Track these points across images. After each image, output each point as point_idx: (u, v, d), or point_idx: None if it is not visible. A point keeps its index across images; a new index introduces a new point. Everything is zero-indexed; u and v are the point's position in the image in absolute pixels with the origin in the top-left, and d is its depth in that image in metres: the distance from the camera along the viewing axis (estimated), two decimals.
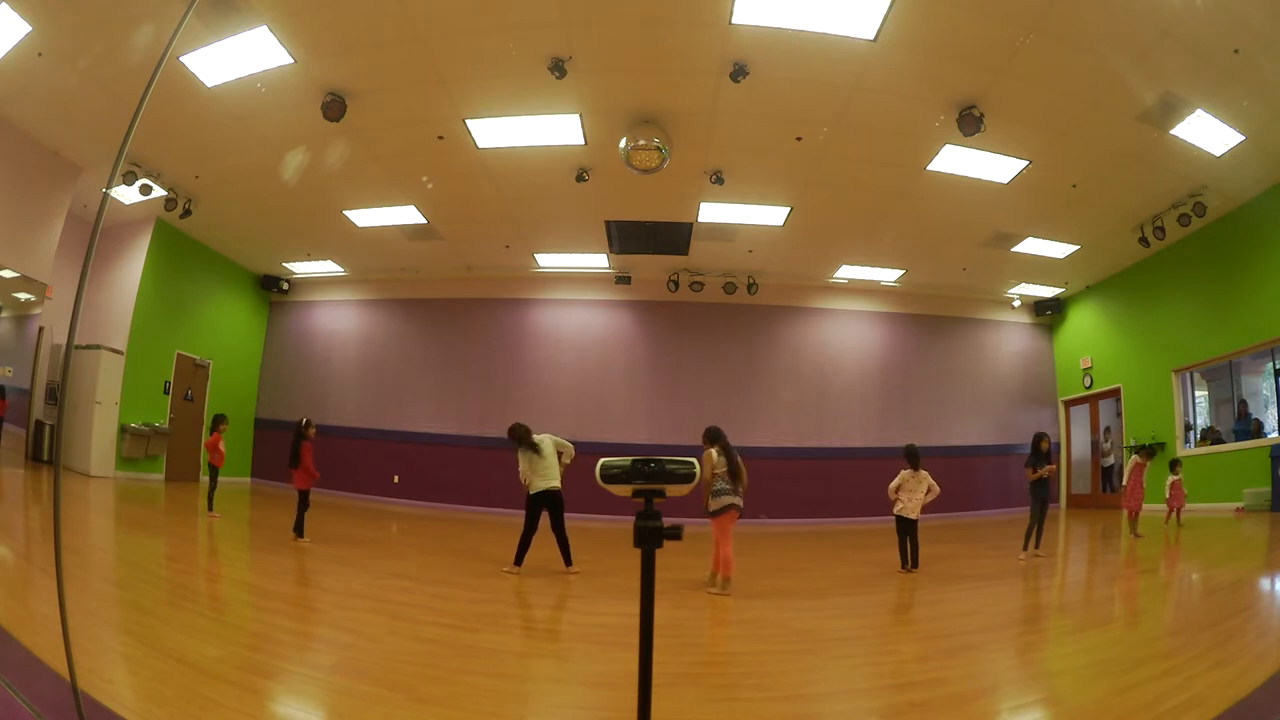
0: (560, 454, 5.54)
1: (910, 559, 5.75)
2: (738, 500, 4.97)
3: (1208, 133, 6.75)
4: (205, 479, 8.06)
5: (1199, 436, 9.65)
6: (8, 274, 8.20)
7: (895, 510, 5.90)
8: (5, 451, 9.25)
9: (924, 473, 5.95)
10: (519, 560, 5.37)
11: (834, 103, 6.61)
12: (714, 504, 4.99)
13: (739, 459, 5.10)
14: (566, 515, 5.51)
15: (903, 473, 6.02)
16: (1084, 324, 11.62)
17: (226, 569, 5.27)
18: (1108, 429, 11.23)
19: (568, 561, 5.40)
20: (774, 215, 9.05)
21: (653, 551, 1.36)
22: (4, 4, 5.62)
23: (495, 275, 11.61)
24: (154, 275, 10.10)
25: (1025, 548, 6.37)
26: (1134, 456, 7.99)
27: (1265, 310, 8.13)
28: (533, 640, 3.81)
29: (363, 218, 9.59)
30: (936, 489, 5.89)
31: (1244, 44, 5.51)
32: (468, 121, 7.09)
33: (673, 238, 9.90)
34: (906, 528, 5.82)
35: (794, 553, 6.20)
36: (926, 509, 5.92)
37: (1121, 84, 6.07)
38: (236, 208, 9.61)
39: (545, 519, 5.48)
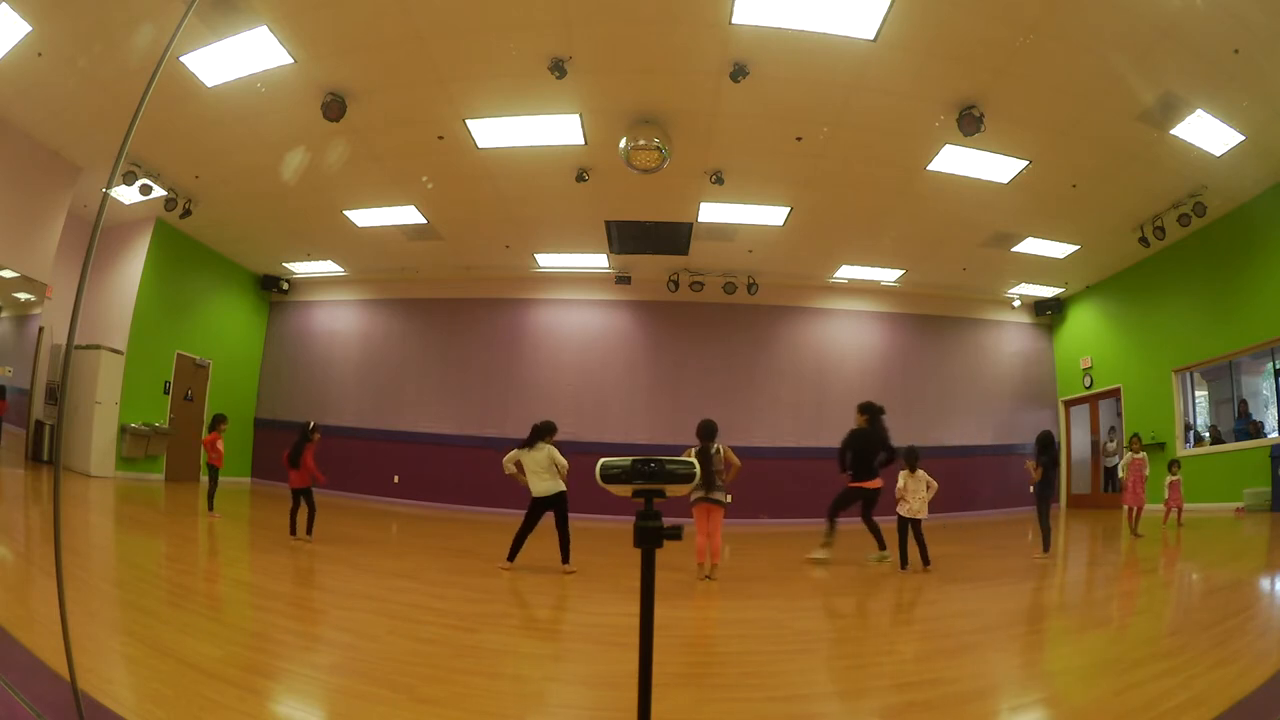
0: (556, 466, 5.52)
1: (921, 559, 5.74)
2: (702, 494, 5.28)
3: (1208, 133, 6.75)
4: (205, 479, 8.06)
5: (1199, 436, 9.64)
6: (8, 274, 8.20)
7: (901, 511, 5.90)
8: (5, 451, 9.25)
9: (921, 472, 5.97)
10: (512, 556, 5.41)
11: (834, 103, 6.61)
12: (692, 497, 5.35)
13: (715, 464, 5.34)
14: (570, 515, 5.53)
15: (902, 473, 6.03)
16: (1084, 324, 11.62)
17: (226, 569, 5.27)
18: (1112, 429, 11.22)
19: (564, 559, 5.41)
20: (774, 215, 9.05)
21: (653, 551, 1.36)
22: (4, 4, 5.62)
23: (495, 275, 11.61)
24: (154, 275, 10.10)
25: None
26: (1129, 454, 8.02)
27: (1265, 310, 8.13)
28: (533, 640, 3.81)
29: (363, 218, 9.59)
30: (935, 485, 5.93)
31: (1244, 44, 5.51)
32: (468, 121, 7.09)
33: (673, 238, 9.90)
34: (911, 528, 5.81)
35: (794, 553, 6.20)
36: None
37: (1121, 84, 6.06)
38: (236, 208, 9.61)
39: (548, 518, 5.49)
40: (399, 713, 2.41)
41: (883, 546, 6.09)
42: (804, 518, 11.13)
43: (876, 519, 6.18)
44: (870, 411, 6.32)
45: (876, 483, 6.13)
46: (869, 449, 6.16)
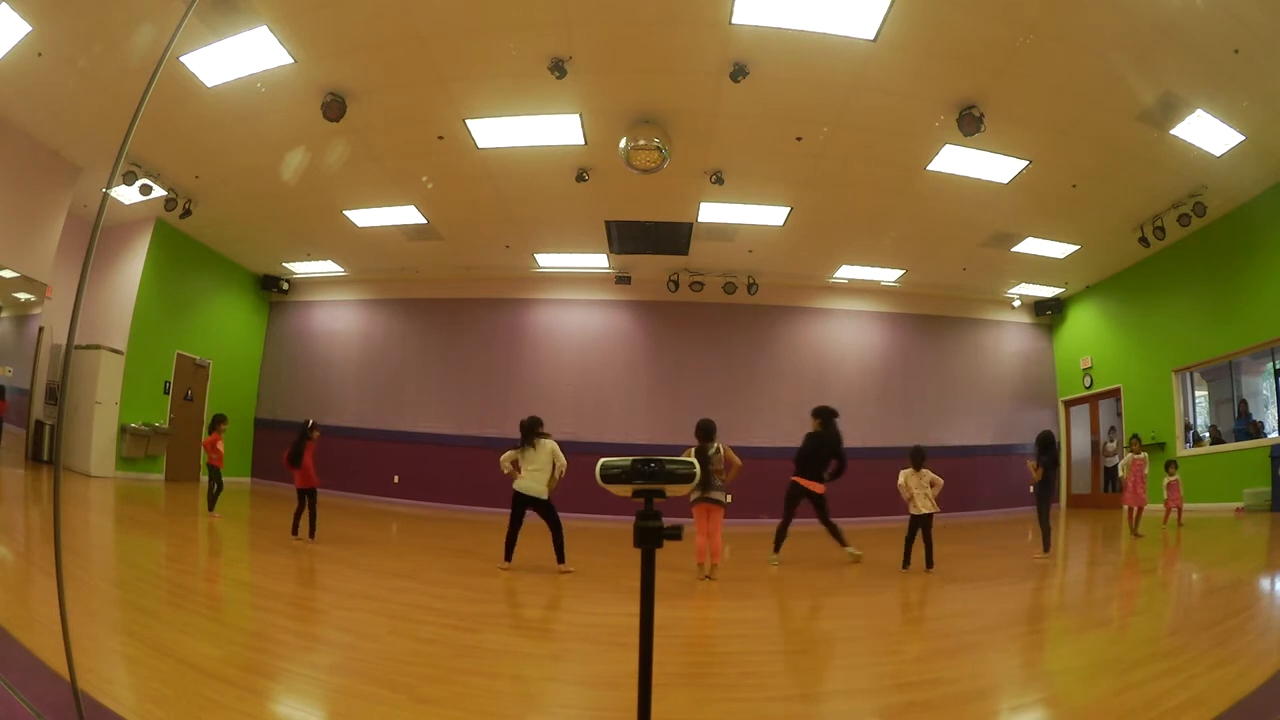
0: (554, 465, 5.50)
1: (925, 559, 5.74)
2: (700, 493, 5.30)
3: (1208, 133, 6.75)
4: (205, 479, 8.05)
5: (1199, 436, 9.64)
6: (8, 274, 8.20)
7: (913, 510, 5.90)
8: (5, 451, 9.25)
9: (925, 470, 5.98)
10: (508, 556, 5.40)
11: (834, 103, 6.61)
12: (691, 497, 5.36)
13: (714, 464, 5.35)
14: (563, 515, 5.51)
15: (904, 472, 6.03)
16: (1084, 324, 11.62)
17: (226, 569, 5.27)
18: (1112, 428, 11.22)
19: (560, 558, 5.40)
20: (774, 215, 9.05)
21: (652, 551, 1.36)
22: (4, 4, 5.62)
23: (495, 275, 11.61)
24: (154, 275, 10.10)
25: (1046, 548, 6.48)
26: (1129, 454, 8.03)
27: (1265, 310, 8.13)
28: (532, 640, 3.81)
29: (363, 218, 9.59)
30: (940, 481, 5.95)
31: (1244, 44, 5.51)
32: (468, 121, 7.09)
33: (673, 238, 9.90)
34: (923, 525, 5.81)
35: (794, 552, 6.20)
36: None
37: (1121, 84, 6.07)
38: (236, 208, 9.61)
39: (534, 516, 5.48)
40: (399, 713, 2.41)
41: (844, 544, 6.17)
42: (803, 518, 11.13)
43: (854, 519, 6.24)
44: (822, 415, 6.46)
45: (818, 486, 6.22)
46: (819, 452, 6.31)
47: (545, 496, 5.42)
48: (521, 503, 5.43)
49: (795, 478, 6.29)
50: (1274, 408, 8.73)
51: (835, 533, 6.21)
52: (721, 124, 7.02)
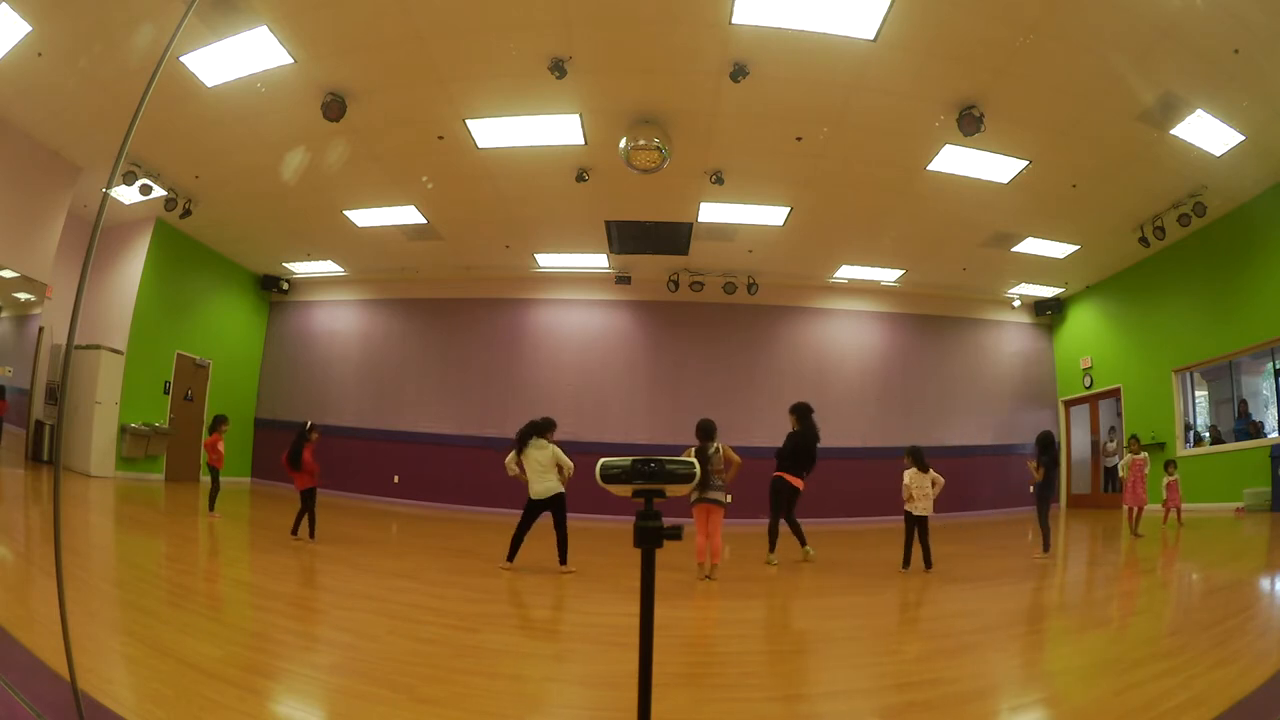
0: (559, 467, 5.50)
1: (924, 559, 5.74)
2: (699, 493, 5.36)
3: (1208, 133, 6.75)
4: (206, 479, 8.05)
5: (1199, 436, 9.64)
6: (8, 274, 8.20)
7: (910, 509, 5.89)
8: (5, 451, 9.25)
9: (931, 472, 5.98)
10: (511, 556, 5.40)
11: (834, 103, 6.61)
12: (691, 497, 5.43)
13: (714, 464, 5.40)
14: (569, 515, 5.52)
15: (908, 471, 6.03)
16: (1084, 324, 11.62)
17: (226, 569, 5.27)
18: (1112, 428, 11.21)
19: (562, 560, 5.40)
20: (774, 215, 9.05)
21: (652, 551, 1.36)
22: (4, 4, 5.62)
23: (495, 275, 11.61)
24: (154, 275, 10.10)
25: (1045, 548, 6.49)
26: (1128, 454, 8.04)
27: (1265, 310, 8.13)
28: (533, 640, 3.81)
29: (363, 218, 9.59)
30: (941, 480, 5.96)
31: (1244, 44, 5.51)
32: (468, 121, 7.09)
33: (673, 238, 9.90)
34: (919, 525, 5.81)
35: (791, 553, 6.20)
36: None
37: (1121, 84, 6.07)
38: (236, 208, 9.62)
39: (545, 517, 5.48)
40: (399, 713, 2.41)
41: (804, 542, 6.26)
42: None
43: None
44: (799, 411, 6.54)
45: (799, 482, 6.32)
46: (798, 448, 6.42)
47: (561, 490, 5.44)
48: (536, 507, 5.43)
49: (779, 473, 6.38)
50: (1274, 408, 8.73)
51: (796, 529, 6.33)
52: (721, 124, 7.02)
